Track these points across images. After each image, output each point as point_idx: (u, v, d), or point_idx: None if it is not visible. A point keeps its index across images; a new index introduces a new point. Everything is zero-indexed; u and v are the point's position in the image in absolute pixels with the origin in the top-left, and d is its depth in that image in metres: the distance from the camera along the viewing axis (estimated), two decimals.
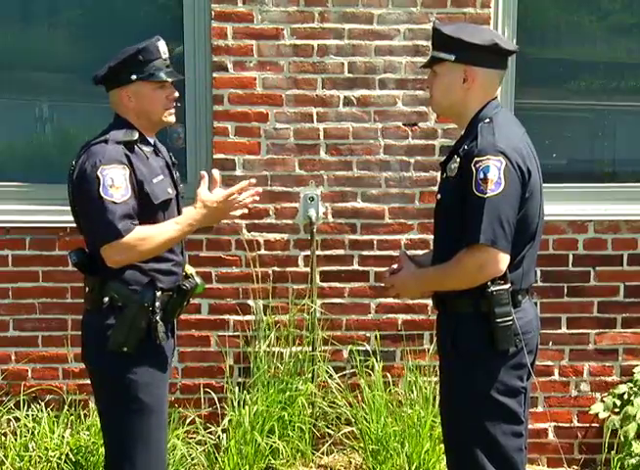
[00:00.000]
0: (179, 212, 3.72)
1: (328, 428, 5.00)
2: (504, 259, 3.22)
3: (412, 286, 3.55)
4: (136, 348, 3.51)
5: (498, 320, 3.24)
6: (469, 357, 3.32)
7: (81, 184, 3.50)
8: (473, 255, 3.21)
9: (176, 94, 3.68)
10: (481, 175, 3.19)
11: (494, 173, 3.18)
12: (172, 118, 3.69)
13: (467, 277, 3.25)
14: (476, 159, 3.22)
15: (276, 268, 5.02)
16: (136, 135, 3.57)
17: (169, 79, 3.63)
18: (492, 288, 3.24)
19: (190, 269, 3.78)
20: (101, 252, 3.46)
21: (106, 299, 3.51)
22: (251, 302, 5.00)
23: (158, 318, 3.53)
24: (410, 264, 3.55)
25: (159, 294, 3.54)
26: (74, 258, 3.61)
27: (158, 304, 3.54)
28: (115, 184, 3.44)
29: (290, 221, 5.02)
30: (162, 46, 3.65)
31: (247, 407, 4.82)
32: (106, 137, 3.55)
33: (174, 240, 3.56)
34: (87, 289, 3.64)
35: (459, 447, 3.42)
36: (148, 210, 3.53)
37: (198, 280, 3.73)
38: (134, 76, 3.56)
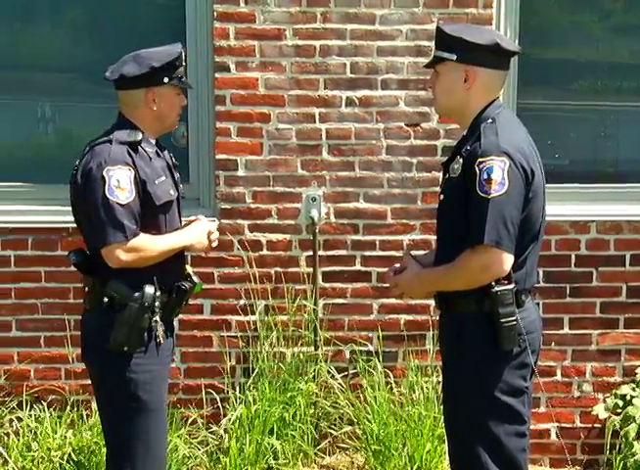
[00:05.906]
0: (180, 214, 3.75)
1: (330, 428, 4.99)
2: (508, 260, 3.21)
3: (416, 286, 3.53)
4: (136, 347, 3.51)
5: (502, 320, 3.24)
6: (472, 357, 3.32)
7: (86, 184, 3.50)
8: (477, 255, 3.20)
9: (185, 102, 3.75)
10: (485, 176, 3.19)
11: (498, 174, 3.18)
12: (177, 124, 3.79)
13: (471, 278, 3.24)
14: (479, 159, 3.21)
15: (278, 269, 5.02)
16: (140, 136, 3.58)
17: (192, 87, 3.69)
18: (497, 288, 3.24)
19: (189, 269, 3.79)
20: (103, 252, 3.46)
21: (105, 298, 3.51)
22: (252, 302, 5.00)
23: (157, 318, 3.54)
24: (415, 265, 3.54)
25: (158, 293, 3.55)
26: (74, 258, 3.63)
27: (157, 303, 3.54)
28: (121, 185, 3.45)
29: (292, 222, 5.02)
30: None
31: (248, 407, 4.83)
32: (110, 137, 3.55)
33: (174, 250, 3.62)
34: (86, 289, 3.65)
35: (462, 448, 3.41)
36: (149, 210, 3.55)
37: (196, 280, 3.75)
38: (166, 79, 3.59)
